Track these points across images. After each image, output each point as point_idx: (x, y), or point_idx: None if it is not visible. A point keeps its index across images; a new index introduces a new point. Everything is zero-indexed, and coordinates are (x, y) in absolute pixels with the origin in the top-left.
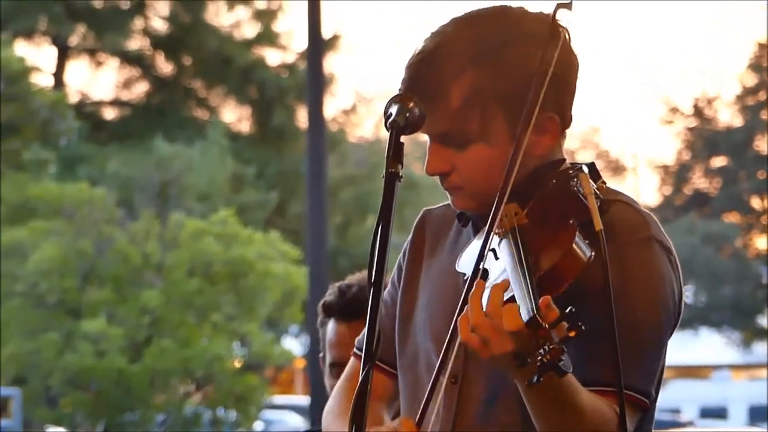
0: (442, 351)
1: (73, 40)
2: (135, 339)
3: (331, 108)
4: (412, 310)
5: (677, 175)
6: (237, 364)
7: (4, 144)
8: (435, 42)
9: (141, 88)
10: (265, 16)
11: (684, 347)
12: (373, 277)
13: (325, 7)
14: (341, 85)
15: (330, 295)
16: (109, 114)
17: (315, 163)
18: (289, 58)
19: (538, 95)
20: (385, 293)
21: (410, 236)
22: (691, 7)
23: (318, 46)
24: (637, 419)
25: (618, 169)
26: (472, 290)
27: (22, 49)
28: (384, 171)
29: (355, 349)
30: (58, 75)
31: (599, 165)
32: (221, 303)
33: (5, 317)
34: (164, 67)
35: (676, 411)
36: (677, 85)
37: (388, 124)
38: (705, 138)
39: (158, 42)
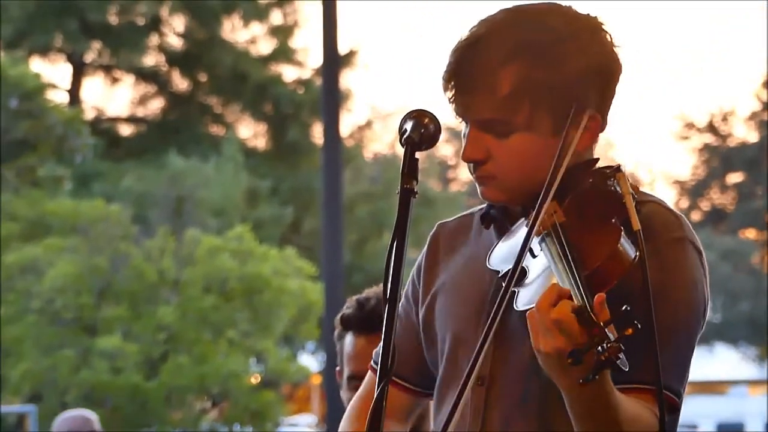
0: (473, 355)
1: (89, 57)
2: (151, 356)
3: (346, 124)
4: (433, 310)
5: (693, 190)
6: (253, 381)
7: (20, 160)
8: (485, 28)
9: (156, 105)
10: (281, 33)
11: (701, 363)
12: (388, 294)
13: (341, 23)
14: (357, 101)
15: (348, 308)
16: (125, 130)
17: (330, 179)
18: (305, 74)
19: (587, 93)
20: (399, 307)
21: (425, 248)
22: (706, 25)
23: (334, 61)
24: (670, 420)
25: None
26: (544, 292)
27: (37, 65)
28: (399, 187)
29: (372, 363)
30: (74, 91)
31: None
32: (237, 319)
33: (21, 334)
34: (180, 83)
35: (693, 427)
36: (692, 100)
37: (403, 140)
38: (721, 154)
39: (174, 58)
